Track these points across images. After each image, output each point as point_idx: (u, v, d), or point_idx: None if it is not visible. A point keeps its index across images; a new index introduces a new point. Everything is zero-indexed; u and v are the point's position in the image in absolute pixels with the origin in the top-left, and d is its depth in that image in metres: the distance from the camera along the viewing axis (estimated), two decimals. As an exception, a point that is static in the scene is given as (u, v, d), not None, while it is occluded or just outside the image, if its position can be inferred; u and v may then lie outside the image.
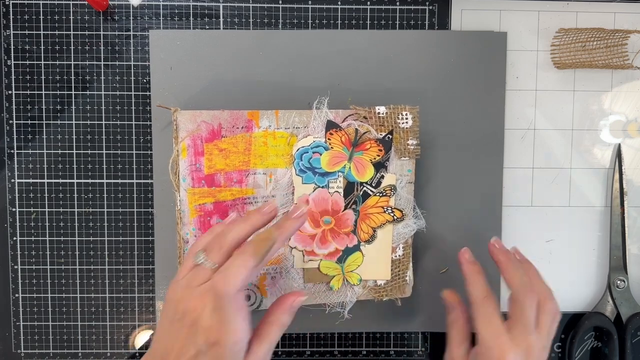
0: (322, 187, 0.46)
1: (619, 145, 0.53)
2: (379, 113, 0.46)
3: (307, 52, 0.50)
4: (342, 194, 0.46)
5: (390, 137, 0.46)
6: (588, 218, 0.53)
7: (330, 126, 0.46)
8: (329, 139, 0.46)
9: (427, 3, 0.51)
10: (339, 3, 0.51)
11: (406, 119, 0.46)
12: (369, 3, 0.51)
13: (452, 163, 0.51)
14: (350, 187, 0.47)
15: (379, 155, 0.46)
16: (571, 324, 0.54)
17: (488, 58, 0.51)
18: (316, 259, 0.47)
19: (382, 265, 0.48)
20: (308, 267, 0.48)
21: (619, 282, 0.53)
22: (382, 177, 0.46)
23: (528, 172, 0.53)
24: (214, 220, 0.46)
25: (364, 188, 0.47)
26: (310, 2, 0.51)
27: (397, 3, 0.51)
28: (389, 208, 0.47)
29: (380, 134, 0.46)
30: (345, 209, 0.47)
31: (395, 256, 0.48)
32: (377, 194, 0.47)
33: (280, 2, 0.51)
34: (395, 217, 0.47)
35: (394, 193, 0.47)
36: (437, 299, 0.52)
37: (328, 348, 0.53)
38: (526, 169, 0.53)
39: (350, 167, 0.46)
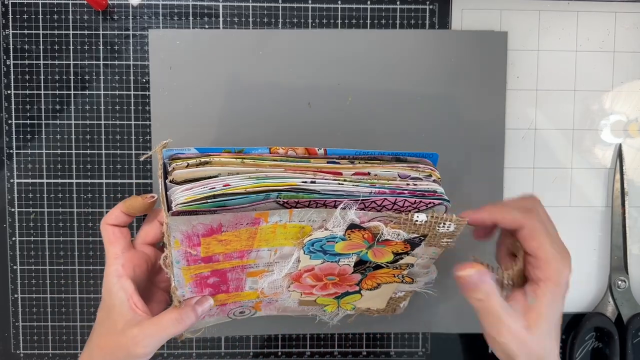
0: (332, 262, 0.41)
1: (620, 145, 0.52)
2: (416, 221, 0.37)
3: (307, 52, 0.49)
4: (352, 266, 0.41)
5: (422, 239, 0.38)
6: (589, 218, 0.53)
7: (353, 227, 0.37)
8: (348, 235, 0.38)
9: (428, 2, 0.51)
10: (339, 3, 0.51)
11: (448, 226, 0.37)
12: (369, 3, 0.51)
13: (452, 163, 0.51)
14: (362, 262, 0.41)
15: (403, 250, 0.39)
16: (572, 324, 0.54)
17: (488, 58, 0.50)
18: (314, 296, 0.45)
19: (379, 301, 0.47)
20: (304, 299, 0.46)
21: (619, 282, 0.52)
22: (402, 258, 0.40)
23: (529, 172, 0.53)
24: (211, 280, 0.40)
25: (378, 263, 0.41)
26: (310, 1, 0.51)
27: (398, 2, 0.51)
28: (401, 275, 0.43)
29: (411, 235, 0.38)
30: (352, 273, 0.42)
31: (395, 296, 0.46)
32: (391, 267, 0.41)
33: (280, 1, 0.50)
34: (404, 281, 0.43)
35: (409, 268, 0.42)
36: (437, 300, 0.52)
37: (328, 349, 0.53)
38: (527, 169, 0.53)
39: (367, 253, 0.40)
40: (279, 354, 0.53)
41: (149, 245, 0.43)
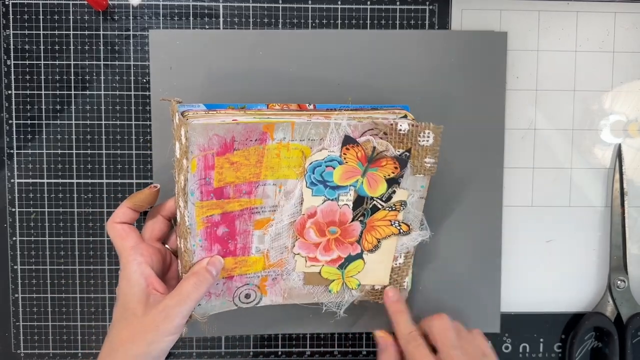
0: (332, 199, 0.45)
1: (620, 145, 0.53)
2: (400, 130, 0.43)
3: (307, 52, 0.50)
4: (351, 207, 0.45)
5: (408, 154, 0.44)
6: (588, 218, 0.53)
7: (347, 141, 0.43)
8: (344, 154, 0.44)
9: (428, 3, 0.51)
10: (339, 3, 0.51)
11: (427, 137, 0.43)
12: (369, 3, 0.51)
13: (451, 163, 0.51)
14: (359, 200, 0.45)
15: (393, 173, 0.44)
16: (571, 324, 0.54)
17: (488, 58, 0.50)
18: (318, 264, 0.47)
19: (381, 272, 0.48)
20: (309, 271, 0.48)
21: (619, 282, 0.52)
22: (394, 192, 0.45)
23: (528, 172, 0.53)
24: (220, 231, 0.44)
25: (374, 202, 0.45)
26: (310, 1, 0.51)
27: (397, 3, 0.51)
28: (397, 222, 0.46)
29: (398, 151, 0.44)
30: (352, 220, 0.46)
31: (396, 264, 0.48)
32: (387, 209, 0.46)
33: (280, 1, 0.51)
34: (401, 231, 0.46)
35: (403, 208, 0.46)
36: (437, 301, 0.52)
37: (328, 348, 0.53)
38: (526, 169, 0.53)
39: (362, 182, 0.45)
40: (279, 353, 0.53)
41: (157, 242, 0.44)
